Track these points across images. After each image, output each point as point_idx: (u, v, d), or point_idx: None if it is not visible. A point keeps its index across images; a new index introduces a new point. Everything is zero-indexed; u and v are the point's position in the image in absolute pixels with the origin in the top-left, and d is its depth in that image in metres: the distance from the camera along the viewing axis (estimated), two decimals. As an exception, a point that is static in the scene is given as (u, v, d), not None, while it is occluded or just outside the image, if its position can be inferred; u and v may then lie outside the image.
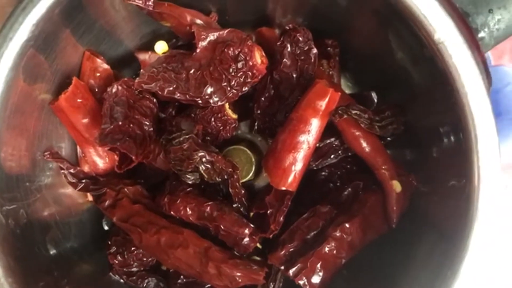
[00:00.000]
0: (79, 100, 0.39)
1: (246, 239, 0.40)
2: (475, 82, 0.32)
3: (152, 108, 0.41)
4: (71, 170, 0.40)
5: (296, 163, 0.39)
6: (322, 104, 0.39)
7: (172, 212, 0.40)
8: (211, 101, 0.39)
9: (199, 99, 0.39)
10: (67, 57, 0.40)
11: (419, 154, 0.41)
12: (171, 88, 0.39)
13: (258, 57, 0.39)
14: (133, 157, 0.37)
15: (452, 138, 0.35)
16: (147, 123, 0.40)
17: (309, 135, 0.39)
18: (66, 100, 0.38)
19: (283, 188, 0.40)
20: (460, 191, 0.34)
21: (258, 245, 0.41)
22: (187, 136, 0.38)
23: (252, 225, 0.40)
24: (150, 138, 0.40)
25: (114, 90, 0.39)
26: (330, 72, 0.45)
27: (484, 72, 0.33)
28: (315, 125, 0.39)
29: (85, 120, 0.40)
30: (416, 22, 0.33)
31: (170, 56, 0.40)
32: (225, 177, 0.40)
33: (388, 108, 0.41)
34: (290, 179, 0.40)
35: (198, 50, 0.39)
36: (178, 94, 0.39)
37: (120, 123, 0.38)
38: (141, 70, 0.39)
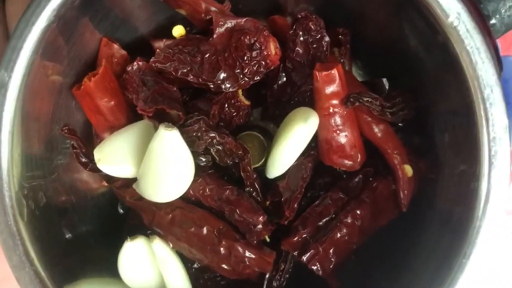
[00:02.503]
0: (106, 83, 0.40)
1: (259, 226, 0.41)
2: (486, 67, 0.33)
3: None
4: (83, 150, 0.41)
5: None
6: (330, 88, 0.40)
7: (190, 191, 0.41)
8: (223, 86, 0.40)
9: (211, 83, 0.40)
10: (85, 43, 0.41)
11: (428, 140, 0.42)
12: (185, 70, 0.40)
13: (273, 48, 0.40)
14: (180, 114, 0.38)
15: (462, 123, 0.36)
16: (175, 89, 0.41)
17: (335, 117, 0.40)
18: (96, 84, 0.39)
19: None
20: (469, 177, 0.35)
21: (267, 237, 0.42)
22: (198, 117, 0.39)
23: (265, 215, 0.41)
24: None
25: (136, 67, 0.40)
26: (342, 60, 0.45)
27: (495, 57, 0.33)
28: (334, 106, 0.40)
29: (112, 103, 0.41)
30: (429, 8, 0.33)
31: (186, 40, 0.41)
32: (236, 160, 0.41)
33: (399, 94, 0.41)
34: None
35: (214, 36, 0.40)
36: (191, 77, 0.40)
37: (156, 87, 0.39)
38: (157, 50, 0.40)
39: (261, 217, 0.41)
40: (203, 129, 0.39)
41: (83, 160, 0.41)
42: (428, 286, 0.35)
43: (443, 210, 0.39)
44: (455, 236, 0.35)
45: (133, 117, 0.42)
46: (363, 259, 0.44)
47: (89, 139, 0.44)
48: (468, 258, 0.33)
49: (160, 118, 0.39)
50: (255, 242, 0.41)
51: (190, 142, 0.39)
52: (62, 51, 0.39)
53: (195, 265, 0.44)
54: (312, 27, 0.43)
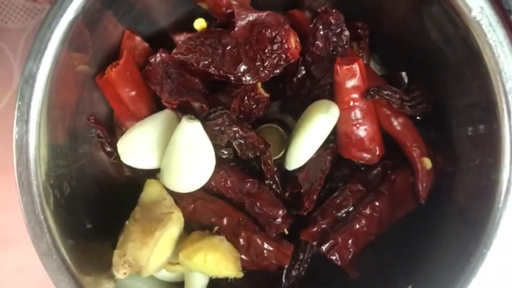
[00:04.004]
0: (128, 73, 0.40)
1: (279, 219, 0.42)
2: (509, 61, 0.33)
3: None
4: (109, 140, 0.41)
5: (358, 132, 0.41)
6: (350, 81, 0.40)
7: (212, 183, 0.41)
8: (243, 79, 0.41)
9: (232, 75, 0.41)
10: (108, 35, 0.41)
11: (446, 134, 0.42)
12: (206, 62, 0.40)
13: (293, 42, 0.41)
14: (204, 106, 0.39)
15: (482, 116, 0.36)
16: (197, 81, 0.41)
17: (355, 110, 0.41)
18: (117, 73, 0.40)
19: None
20: (489, 169, 0.35)
21: (285, 230, 0.43)
22: (222, 111, 0.39)
23: (285, 209, 0.42)
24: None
25: (159, 58, 0.41)
26: (360, 54, 0.46)
27: (517, 51, 0.34)
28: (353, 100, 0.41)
29: (133, 93, 0.41)
30: (451, 1, 0.34)
31: (208, 32, 0.41)
32: (258, 154, 0.41)
33: (417, 88, 0.42)
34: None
35: (236, 29, 0.40)
36: (213, 69, 0.40)
37: (180, 79, 0.39)
38: (179, 42, 0.41)
39: (281, 210, 0.41)
40: (227, 123, 0.39)
41: (108, 149, 0.41)
42: (447, 275, 0.36)
43: (462, 202, 0.39)
44: (474, 227, 0.35)
45: (154, 107, 0.43)
46: (382, 253, 0.44)
47: (110, 131, 0.45)
48: (488, 248, 0.34)
49: (184, 109, 0.40)
50: (274, 235, 0.42)
51: (213, 135, 0.39)
52: (87, 43, 0.39)
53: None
54: (332, 21, 0.43)
